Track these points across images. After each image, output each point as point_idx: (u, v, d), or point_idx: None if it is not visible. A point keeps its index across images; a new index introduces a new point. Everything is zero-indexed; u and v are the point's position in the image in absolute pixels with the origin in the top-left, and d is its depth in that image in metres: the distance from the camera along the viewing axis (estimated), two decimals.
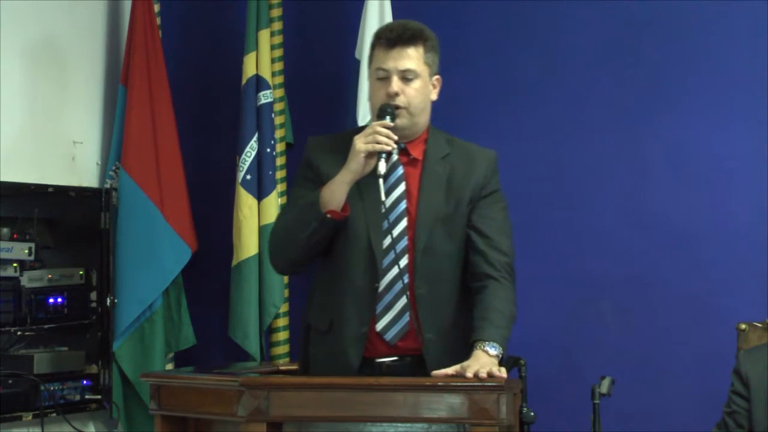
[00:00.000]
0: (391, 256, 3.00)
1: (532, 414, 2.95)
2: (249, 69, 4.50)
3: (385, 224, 3.00)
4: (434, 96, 3.16)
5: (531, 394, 3.01)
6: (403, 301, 3.00)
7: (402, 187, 3.05)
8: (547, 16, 4.25)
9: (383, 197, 2.95)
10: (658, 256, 4.03)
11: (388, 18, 4.26)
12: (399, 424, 2.82)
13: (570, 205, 4.18)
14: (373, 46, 3.11)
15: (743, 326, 3.49)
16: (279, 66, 4.56)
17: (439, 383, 2.80)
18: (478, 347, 2.89)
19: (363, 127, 3.19)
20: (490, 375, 2.77)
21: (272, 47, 4.55)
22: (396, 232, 3.02)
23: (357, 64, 4.32)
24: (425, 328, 3.01)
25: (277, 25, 4.57)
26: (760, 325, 3.38)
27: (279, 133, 4.54)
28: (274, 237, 3.11)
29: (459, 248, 3.08)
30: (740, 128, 3.95)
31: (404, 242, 3.02)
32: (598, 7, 4.16)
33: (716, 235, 3.95)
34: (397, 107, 3.02)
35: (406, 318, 3.01)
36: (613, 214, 4.11)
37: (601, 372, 3.15)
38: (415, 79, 3.05)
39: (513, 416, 2.83)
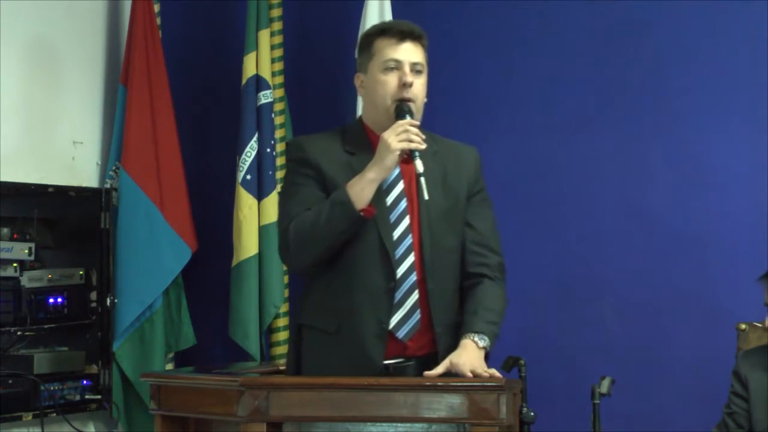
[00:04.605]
0: (401, 251, 3.00)
1: (532, 414, 2.95)
2: (249, 69, 4.50)
3: (392, 219, 3.00)
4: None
5: (531, 394, 3.01)
6: (415, 297, 2.99)
7: (401, 185, 3.04)
8: (546, 15, 4.25)
9: (426, 196, 2.91)
10: (658, 256, 4.03)
11: (388, 18, 4.26)
12: (399, 424, 2.82)
13: (570, 205, 4.18)
14: (374, 40, 3.08)
15: (743, 326, 3.49)
16: (279, 66, 4.56)
17: (439, 383, 2.80)
18: (467, 337, 2.93)
19: (345, 127, 3.18)
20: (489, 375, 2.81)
21: (272, 47, 4.55)
22: (402, 228, 3.01)
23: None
24: (436, 323, 3.01)
25: (277, 25, 4.57)
26: (760, 325, 3.38)
27: (279, 133, 4.54)
28: (297, 237, 2.98)
29: (459, 243, 3.09)
30: (740, 128, 3.95)
31: (410, 238, 3.01)
32: (598, 7, 4.16)
33: (716, 235, 3.95)
34: (409, 100, 3.01)
35: (418, 315, 3.00)
36: (614, 214, 4.11)
37: (601, 372, 3.15)
38: (422, 73, 3.06)
39: (513, 416, 2.83)
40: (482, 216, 3.14)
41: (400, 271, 2.99)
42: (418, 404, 2.77)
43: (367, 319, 2.97)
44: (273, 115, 4.51)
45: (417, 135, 2.93)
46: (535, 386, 3.10)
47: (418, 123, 2.98)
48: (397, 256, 2.99)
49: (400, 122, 2.96)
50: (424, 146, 2.94)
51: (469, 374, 2.83)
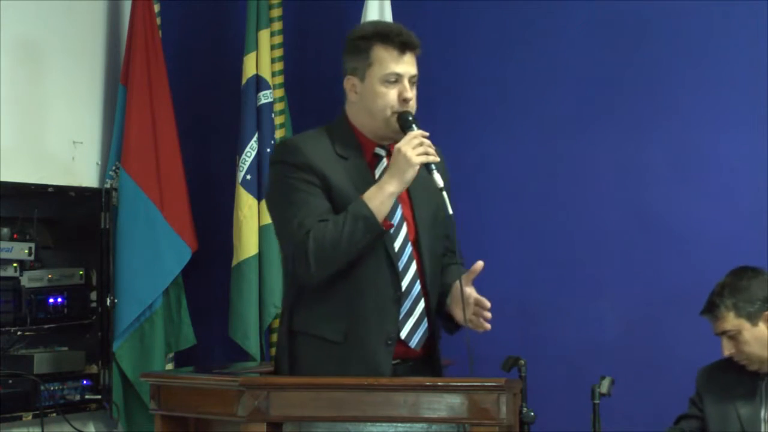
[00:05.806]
0: (404, 260, 2.99)
1: (532, 414, 2.94)
2: (249, 69, 4.50)
3: (392, 229, 2.97)
4: None
5: (531, 394, 3.00)
6: (422, 305, 3.00)
7: None
8: (546, 16, 4.25)
9: (450, 210, 2.89)
10: (657, 256, 4.03)
11: (389, 18, 4.26)
12: (399, 424, 2.82)
13: (570, 206, 4.18)
14: (373, 47, 2.99)
15: None
16: (279, 66, 4.56)
17: (439, 383, 2.80)
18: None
19: (330, 127, 3.07)
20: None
21: (272, 47, 4.55)
22: (402, 236, 3.00)
23: None
24: (436, 331, 3.05)
25: (277, 25, 4.57)
26: None
27: (279, 133, 4.54)
28: (318, 250, 2.87)
29: (443, 251, 3.12)
30: (740, 128, 3.95)
31: (410, 247, 3.01)
32: (597, 6, 4.16)
33: (716, 235, 3.95)
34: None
35: (426, 323, 3.01)
36: (613, 214, 4.11)
37: (601, 372, 3.15)
38: (416, 84, 3.03)
39: (513, 416, 2.83)
40: (451, 223, 3.10)
41: (405, 280, 2.98)
42: (418, 404, 2.77)
43: (375, 328, 2.95)
44: (273, 115, 4.52)
45: (431, 146, 2.92)
46: (535, 386, 3.09)
47: (428, 133, 2.94)
48: (401, 266, 2.98)
49: (414, 134, 2.92)
50: (438, 159, 2.92)
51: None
